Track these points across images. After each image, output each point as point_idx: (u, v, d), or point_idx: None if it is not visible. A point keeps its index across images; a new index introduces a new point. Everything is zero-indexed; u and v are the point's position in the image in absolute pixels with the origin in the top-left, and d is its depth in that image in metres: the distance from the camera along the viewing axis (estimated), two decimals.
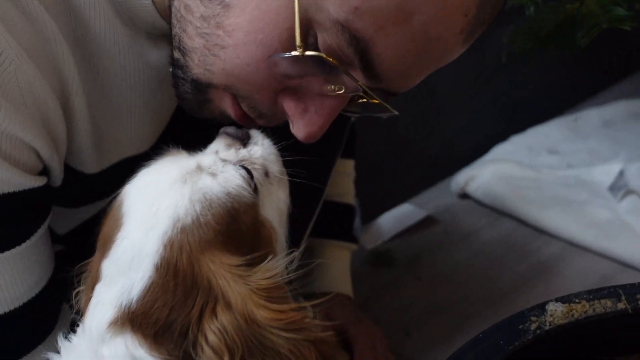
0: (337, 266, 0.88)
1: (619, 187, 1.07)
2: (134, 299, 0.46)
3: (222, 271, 0.47)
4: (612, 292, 0.50)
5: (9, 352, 0.55)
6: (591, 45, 0.80)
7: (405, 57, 0.49)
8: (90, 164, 0.57)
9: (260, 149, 0.57)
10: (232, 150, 0.56)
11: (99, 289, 0.48)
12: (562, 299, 0.50)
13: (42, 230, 0.54)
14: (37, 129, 0.49)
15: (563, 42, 0.91)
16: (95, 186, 0.60)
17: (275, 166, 0.58)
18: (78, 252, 0.76)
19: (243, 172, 0.52)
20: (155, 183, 0.50)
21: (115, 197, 0.65)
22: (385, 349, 0.83)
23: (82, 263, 0.54)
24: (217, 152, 0.55)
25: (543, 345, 0.49)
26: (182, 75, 0.54)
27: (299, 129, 0.54)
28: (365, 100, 0.53)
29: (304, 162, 0.74)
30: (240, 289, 0.46)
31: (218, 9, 0.48)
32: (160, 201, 0.48)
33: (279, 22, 0.47)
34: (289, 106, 0.53)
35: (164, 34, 0.56)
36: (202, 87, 0.54)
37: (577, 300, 0.49)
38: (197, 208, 0.48)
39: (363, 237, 1.14)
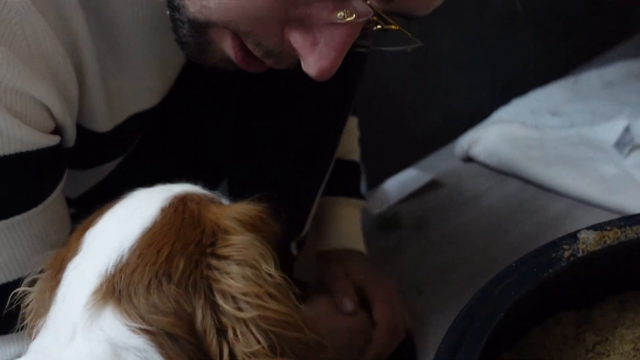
0: (349, 223, 0.87)
1: (625, 143, 1.07)
2: (128, 248, 0.42)
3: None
4: None
5: None
6: (590, 7, 0.80)
7: None
8: (102, 123, 0.55)
9: None
10: None
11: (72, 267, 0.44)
12: (594, 227, 0.49)
13: (57, 191, 0.52)
14: (48, 85, 0.47)
15: None
16: (107, 145, 0.59)
17: None
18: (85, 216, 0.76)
19: None
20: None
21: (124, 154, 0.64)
22: (402, 305, 0.82)
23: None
24: None
25: (576, 274, 0.49)
26: (178, 17, 0.50)
27: (310, 65, 0.50)
28: (380, 27, 0.50)
29: (316, 117, 0.73)
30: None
31: None
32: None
33: None
34: (297, 40, 0.49)
35: None
36: (200, 28, 0.50)
37: (608, 228, 0.49)
38: None
39: (369, 202, 1.13)
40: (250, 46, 0.50)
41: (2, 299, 0.50)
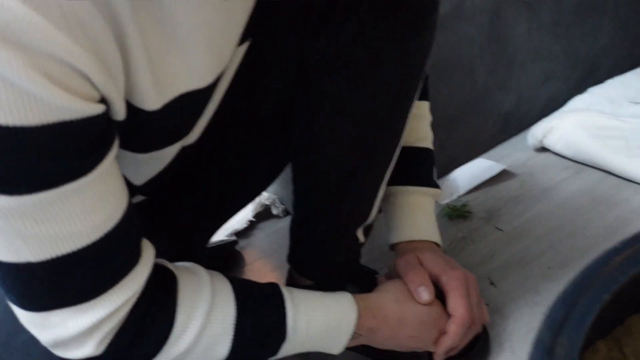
0: (423, 213, 0.84)
1: None
2: None
3: None
4: None
5: (91, 287, 0.53)
6: None
7: None
8: (150, 100, 0.53)
9: None
10: None
11: None
12: None
13: (108, 161, 0.51)
14: (86, 53, 0.45)
15: None
16: (160, 126, 0.57)
17: None
18: (156, 202, 0.76)
19: None
20: None
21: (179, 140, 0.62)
22: (479, 297, 0.79)
23: None
24: None
25: None
26: None
27: None
28: None
29: (380, 101, 0.70)
30: None
31: None
32: None
33: None
34: None
35: None
36: None
37: None
38: None
39: None
40: None
41: (67, 270, 0.50)
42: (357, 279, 0.83)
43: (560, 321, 0.39)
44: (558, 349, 0.38)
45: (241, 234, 1.13)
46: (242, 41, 0.61)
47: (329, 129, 0.70)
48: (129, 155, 0.59)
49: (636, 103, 1.19)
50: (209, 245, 1.00)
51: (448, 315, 0.75)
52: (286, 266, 0.85)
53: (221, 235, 1.09)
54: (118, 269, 0.54)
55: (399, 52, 0.67)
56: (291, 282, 0.86)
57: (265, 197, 1.16)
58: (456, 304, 0.74)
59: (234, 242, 1.08)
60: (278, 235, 1.11)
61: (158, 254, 0.63)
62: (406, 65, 0.69)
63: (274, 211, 1.16)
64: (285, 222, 1.13)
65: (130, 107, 0.53)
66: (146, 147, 0.60)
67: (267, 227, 1.15)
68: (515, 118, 1.24)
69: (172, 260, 0.65)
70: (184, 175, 0.76)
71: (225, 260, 1.06)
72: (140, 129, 0.55)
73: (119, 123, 0.52)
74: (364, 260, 0.95)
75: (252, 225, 1.14)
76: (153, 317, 0.57)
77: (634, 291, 0.46)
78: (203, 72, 0.57)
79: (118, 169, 0.54)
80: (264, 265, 1.06)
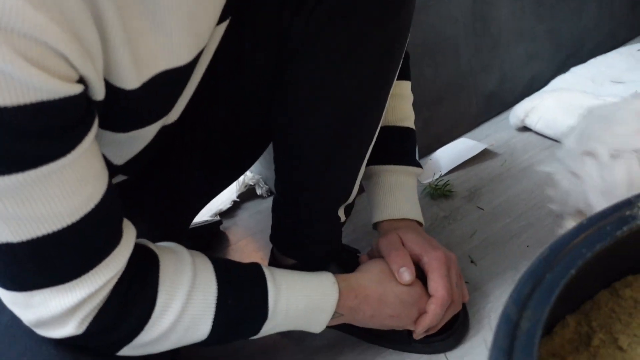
0: (405, 192, 0.85)
1: None
2: None
3: None
4: None
5: (72, 267, 0.53)
6: None
7: None
8: (130, 79, 0.53)
9: None
10: None
11: None
12: None
13: (88, 141, 0.50)
14: (64, 33, 0.44)
15: None
16: (138, 105, 0.57)
17: None
18: (137, 182, 0.76)
19: None
20: None
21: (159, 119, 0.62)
22: (459, 276, 0.80)
23: None
24: None
25: None
26: None
27: None
28: None
29: (358, 80, 0.70)
30: None
31: None
32: None
33: None
34: None
35: None
36: None
37: None
38: None
39: None
40: None
41: (48, 250, 0.51)
42: (340, 258, 0.84)
43: (526, 296, 0.40)
44: (523, 322, 0.39)
45: (225, 214, 1.13)
46: (221, 20, 0.61)
47: (308, 108, 0.70)
48: (109, 135, 0.59)
49: (618, 82, 1.20)
50: (192, 226, 1.00)
51: (428, 295, 0.77)
52: (270, 246, 0.86)
53: (205, 215, 1.10)
54: (99, 249, 0.55)
55: (377, 31, 0.67)
56: (274, 262, 0.87)
57: (249, 177, 1.16)
58: (436, 284, 0.76)
59: (218, 223, 1.08)
60: (262, 215, 1.12)
61: (140, 234, 0.63)
62: (385, 45, 0.69)
63: (258, 191, 1.16)
64: (269, 202, 1.13)
65: (109, 87, 0.53)
66: (126, 127, 0.60)
67: (251, 207, 1.15)
68: (499, 98, 1.25)
69: (155, 240, 0.66)
70: (166, 154, 0.76)
71: (209, 241, 1.07)
72: (119, 108, 0.56)
73: (97, 103, 0.52)
74: (348, 239, 0.96)
75: (236, 206, 1.15)
76: (134, 296, 0.58)
77: (601, 266, 0.47)
78: (182, 50, 0.57)
79: (98, 150, 0.54)
80: (248, 245, 1.07)
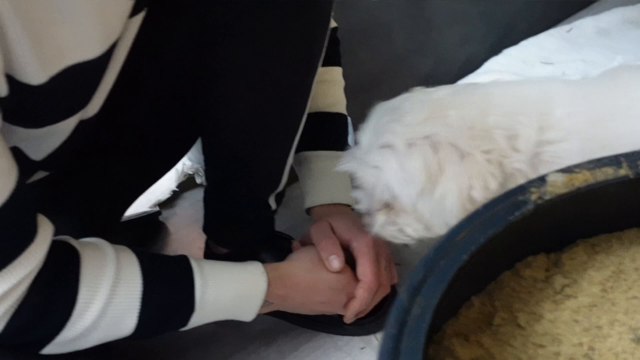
0: (336, 177, 0.86)
1: None
2: None
3: None
4: (613, 160, 0.48)
5: None
6: None
7: None
8: (34, 74, 0.52)
9: None
10: None
11: None
12: (563, 170, 0.49)
13: None
14: None
15: None
16: (48, 99, 0.56)
17: None
18: (63, 177, 0.75)
19: None
20: None
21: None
22: (389, 261, 0.82)
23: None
24: None
25: (545, 217, 0.49)
26: None
27: None
28: None
29: (280, 67, 0.71)
30: None
31: None
32: None
33: None
34: None
35: None
36: None
37: (577, 170, 0.48)
38: None
39: None
40: None
41: None
42: (273, 246, 0.85)
43: (418, 283, 0.42)
44: (415, 308, 0.41)
45: (165, 204, 1.13)
46: (136, 11, 0.61)
47: (231, 95, 0.71)
48: (22, 130, 0.58)
49: (548, 63, 1.24)
50: (130, 217, 1.00)
51: (357, 280, 0.79)
52: None
53: (144, 206, 1.10)
54: (10, 248, 0.54)
55: (297, 18, 0.68)
56: (209, 251, 0.87)
57: (188, 166, 1.16)
58: (364, 269, 0.78)
59: (157, 213, 1.08)
60: (202, 205, 1.12)
61: (70, 229, 0.63)
62: (305, 32, 0.70)
63: (198, 180, 1.16)
64: None
65: (13, 82, 0.52)
66: (38, 122, 0.59)
67: (191, 196, 1.15)
68: (435, 80, 1.27)
69: (86, 235, 0.66)
70: (91, 148, 0.76)
71: (148, 232, 1.07)
72: (28, 103, 0.54)
73: (1, 99, 0.51)
74: (285, 226, 0.97)
75: (175, 195, 1.15)
76: (54, 294, 0.58)
77: (501, 249, 0.50)
78: (92, 42, 0.56)
79: (4, 146, 0.53)
80: (188, 234, 1.07)
